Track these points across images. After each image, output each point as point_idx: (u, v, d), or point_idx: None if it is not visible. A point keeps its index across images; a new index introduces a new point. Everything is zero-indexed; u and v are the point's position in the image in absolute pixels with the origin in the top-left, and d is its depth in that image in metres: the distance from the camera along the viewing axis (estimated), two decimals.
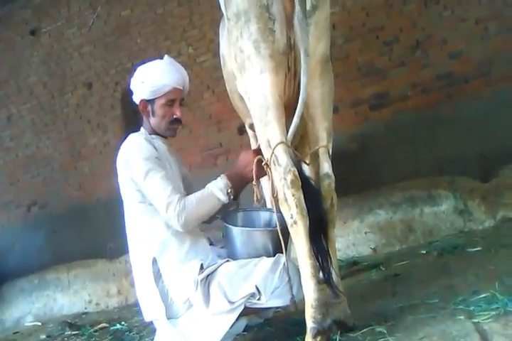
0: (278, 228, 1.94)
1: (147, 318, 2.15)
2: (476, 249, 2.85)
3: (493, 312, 1.74)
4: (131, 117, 4.54)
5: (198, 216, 2.05)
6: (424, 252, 3.17)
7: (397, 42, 3.85)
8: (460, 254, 2.87)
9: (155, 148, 2.15)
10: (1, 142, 5.83)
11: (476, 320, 1.73)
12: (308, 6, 1.92)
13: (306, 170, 2.23)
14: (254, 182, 2.06)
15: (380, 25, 3.90)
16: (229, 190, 2.06)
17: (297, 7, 1.87)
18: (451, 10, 3.70)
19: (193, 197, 2.04)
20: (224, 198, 2.05)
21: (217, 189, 2.05)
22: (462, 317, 1.80)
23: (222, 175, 2.11)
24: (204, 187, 2.09)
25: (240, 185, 2.11)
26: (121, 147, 2.18)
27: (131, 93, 2.29)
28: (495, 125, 3.41)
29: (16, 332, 4.59)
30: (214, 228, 2.39)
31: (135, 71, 2.27)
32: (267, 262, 2.00)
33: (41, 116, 5.58)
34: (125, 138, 2.22)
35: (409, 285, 2.53)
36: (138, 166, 2.06)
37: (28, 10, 5.73)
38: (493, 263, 2.45)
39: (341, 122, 3.80)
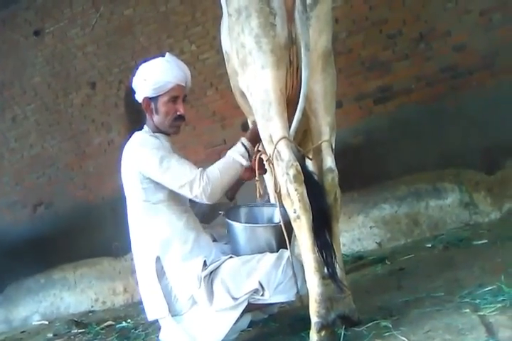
0: (282, 223, 1.93)
1: (150, 317, 2.15)
2: (481, 242, 2.85)
3: (499, 305, 1.74)
4: (135, 116, 4.54)
5: (223, 185, 2.05)
6: (430, 246, 3.16)
7: (401, 36, 3.82)
8: (466, 247, 2.86)
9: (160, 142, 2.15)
10: (6, 143, 5.84)
11: (482, 313, 1.72)
12: (309, 0, 1.91)
13: (309, 165, 2.23)
14: (256, 178, 2.06)
15: (383, 19, 3.87)
16: (250, 153, 2.07)
17: (297, 1, 1.86)
18: (454, 1, 3.65)
19: (215, 168, 2.04)
20: (246, 163, 2.07)
21: (239, 155, 2.06)
22: (468, 310, 1.80)
23: (241, 138, 2.11)
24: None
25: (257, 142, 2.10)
26: (127, 145, 2.19)
27: (133, 92, 2.29)
28: (500, 117, 3.37)
29: (24, 331, 4.62)
30: (218, 224, 2.39)
31: (137, 70, 2.27)
32: (270, 258, 2.00)
33: (46, 117, 5.59)
34: (129, 136, 2.22)
35: (415, 279, 2.53)
36: (149, 157, 2.06)
37: (31, 11, 5.72)
38: (499, 255, 2.45)
39: (345, 116, 3.77)
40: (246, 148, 2.08)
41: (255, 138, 2.09)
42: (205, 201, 2.03)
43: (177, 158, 2.07)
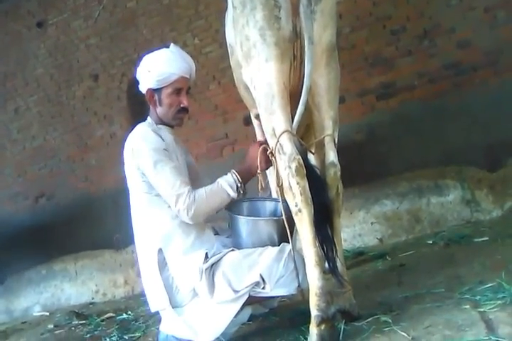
0: (284, 217, 1.93)
1: (153, 308, 2.16)
2: (482, 239, 2.84)
3: (499, 302, 1.74)
4: (137, 108, 4.53)
5: (207, 209, 2.06)
6: (431, 242, 3.16)
7: (405, 32, 3.81)
8: (467, 244, 2.86)
9: (162, 138, 2.14)
10: (8, 134, 5.84)
11: (482, 310, 1.72)
12: None
13: (312, 159, 2.23)
14: (259, 171, 2.06)
15: (387, 15, 3.86)
16: (239, 185, 2.07)
17: None
18: None
19: (203, 191, 2.04)
20: (234, 194, 2.07)
21: (227, 184, 2.06)
22: (468, 306, 1.80)
23: (232, 170, 2.11)
24: (214, 181, 2.09)
25: (249, 179, 2.12)
26: (129, 137, 2.18)
27: (137, 82, 2.28)
28: (503, 115, 3.37)
29: (24, 322, 4.63)
30: (220, 218, 2.39)
31: (141, 61, 2.26)
32: (271, 251, 2.00)
33: (48, 108, 5.58)
34: (132, 129, 2.21)
35: (415, 275, 2.53)
36: (146, 157, 2.06)
37: (34, 2, 5.71)
38: (500, 253, 2.44)
39: (348, 112, 3.77)
40: (235, 179, 2.07)
41: (245, 175, 2.09)
42: (186, 218, 2.03)
43: (171, 167, 2.06)
